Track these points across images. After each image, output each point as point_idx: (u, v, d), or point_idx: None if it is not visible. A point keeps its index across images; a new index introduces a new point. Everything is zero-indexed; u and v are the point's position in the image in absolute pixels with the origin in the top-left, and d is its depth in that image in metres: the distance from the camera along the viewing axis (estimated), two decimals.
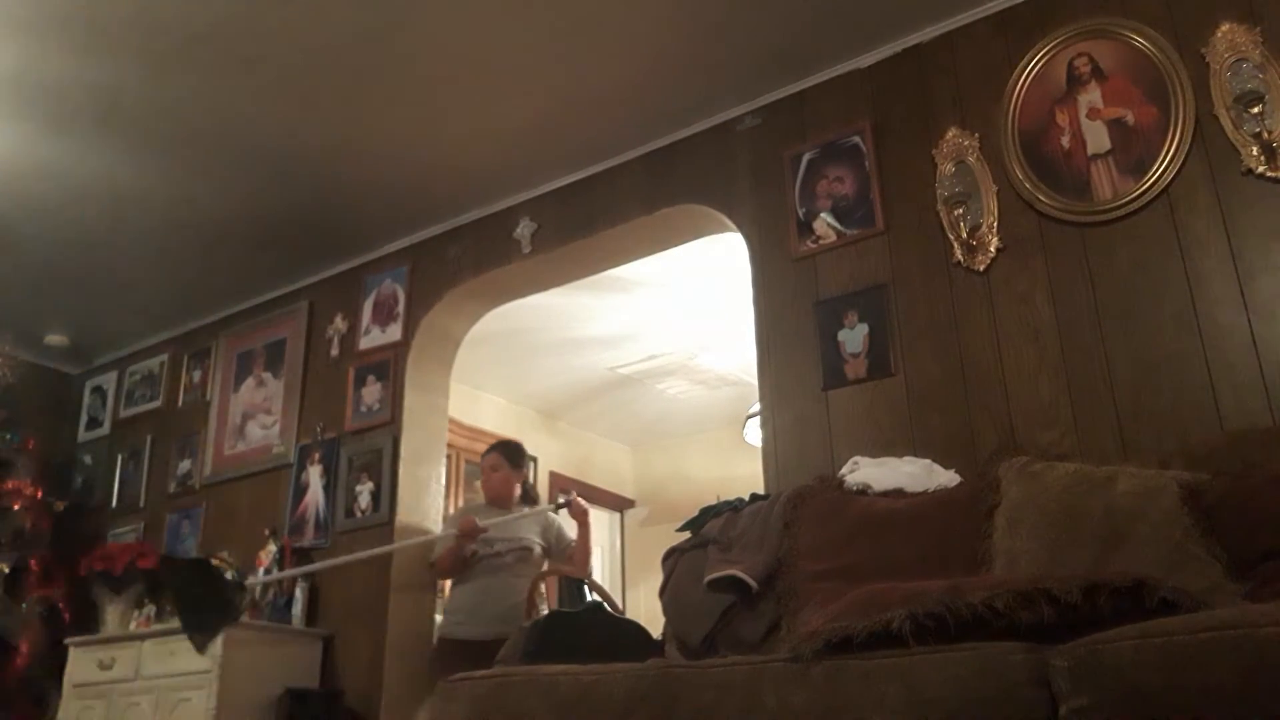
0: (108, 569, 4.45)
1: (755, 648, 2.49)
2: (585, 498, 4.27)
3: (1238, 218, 2.68)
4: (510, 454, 4.07)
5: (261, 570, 4.26)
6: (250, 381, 5.01)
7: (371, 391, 4.47)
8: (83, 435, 5.70)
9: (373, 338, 4.58)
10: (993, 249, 3.07)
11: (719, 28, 3.34)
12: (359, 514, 4.29)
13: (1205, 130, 2.78)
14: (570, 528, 4.04)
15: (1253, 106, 2.69)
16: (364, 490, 4.31)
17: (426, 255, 4.56)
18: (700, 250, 4.45)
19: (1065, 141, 3.01)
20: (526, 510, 3.98)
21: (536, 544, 3.86)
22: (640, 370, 6.21)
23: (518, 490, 4.04)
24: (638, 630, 2.87)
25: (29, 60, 3.40)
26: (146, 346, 5.60)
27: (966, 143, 3.19)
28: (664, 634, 2.83)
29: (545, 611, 3.55)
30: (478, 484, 4.39)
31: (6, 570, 4.51)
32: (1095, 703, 1.41)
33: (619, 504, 7.42)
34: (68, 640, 4.39)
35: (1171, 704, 1.34)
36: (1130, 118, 2.92)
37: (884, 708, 1.55)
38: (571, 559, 3.95)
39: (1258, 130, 2.68)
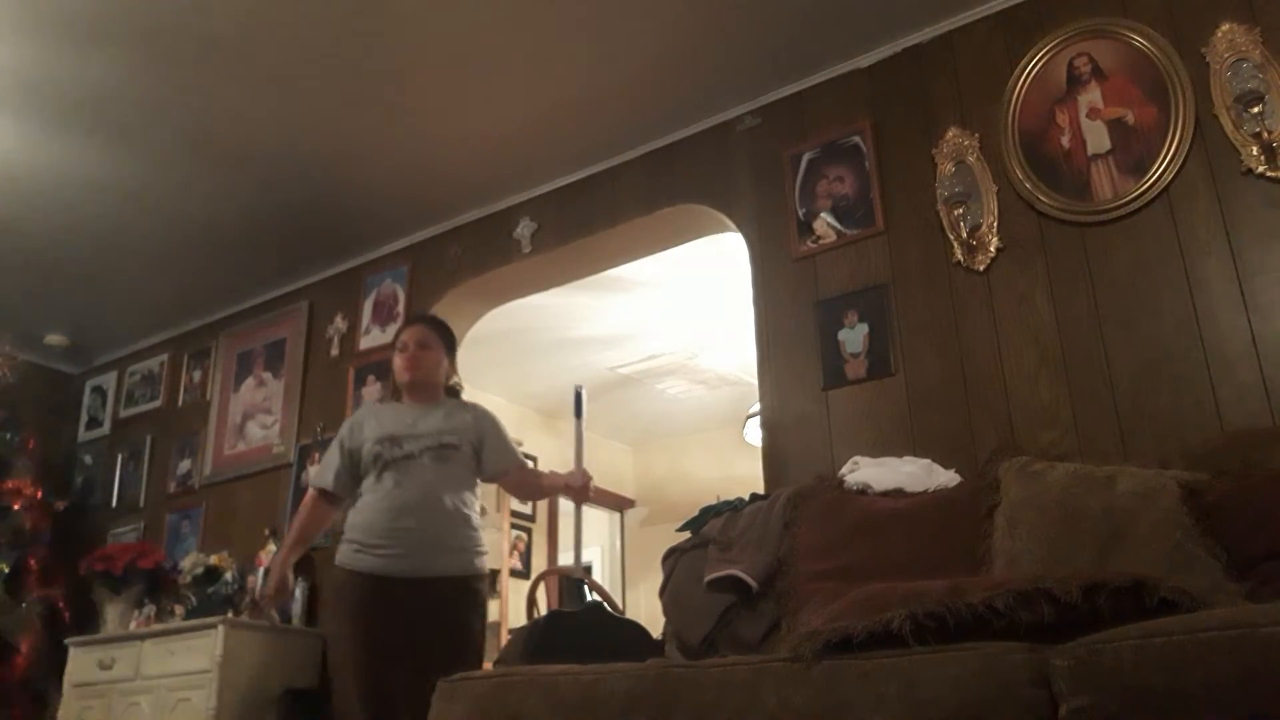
0: (108, 569, 4.46)
1: (755, 648, 2.49)
2: None
3: (1238, 218, 2.68)
4: (445, 333, 3.12)
5: (261, 570, 4.25)
6: (250, 381, 5.01)
7: (371, 391, 4.47)
8: (83, 435, 5.70)
9: (373, 338, 4.58)
10: (993, 249, 3.07)
11: (719, 28, 3.34)
12: None
13: (1205, 130, 2.78)
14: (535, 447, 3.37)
15: (1253, 106, 2.68)
16: None
17: (426, 255, 4.56)
18: (700, 250, 4.44)
19: (1065, 141, 3.01)
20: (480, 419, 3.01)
21: (460, 441, 2.91)
22: (640, 370, 6.21)
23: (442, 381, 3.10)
24: (638, 630, 2.87)
25: (29, 60, 3.40)
26: (146, 346, 5.60)
27: (966, 143, 3.19)
28: (664, 634, 2.83)
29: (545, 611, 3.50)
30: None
31: (6, 570, 4.51)
32: (1095, 703, 1.41)
33: (619, 504, 7.42)
34: (68, 640, 4.39)
35: (1171, 704, 1.34)
36: (1130, 117, 2.92)
37: (884, 708, 1.55)
38: (527, 484, 3.11)
39: (1258, 130, 2.67)
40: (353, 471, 2.93)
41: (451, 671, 2.51)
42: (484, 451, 2.98)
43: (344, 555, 2.83)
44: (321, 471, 3.02)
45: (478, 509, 2.96)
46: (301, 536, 2.99)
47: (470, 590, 2.86)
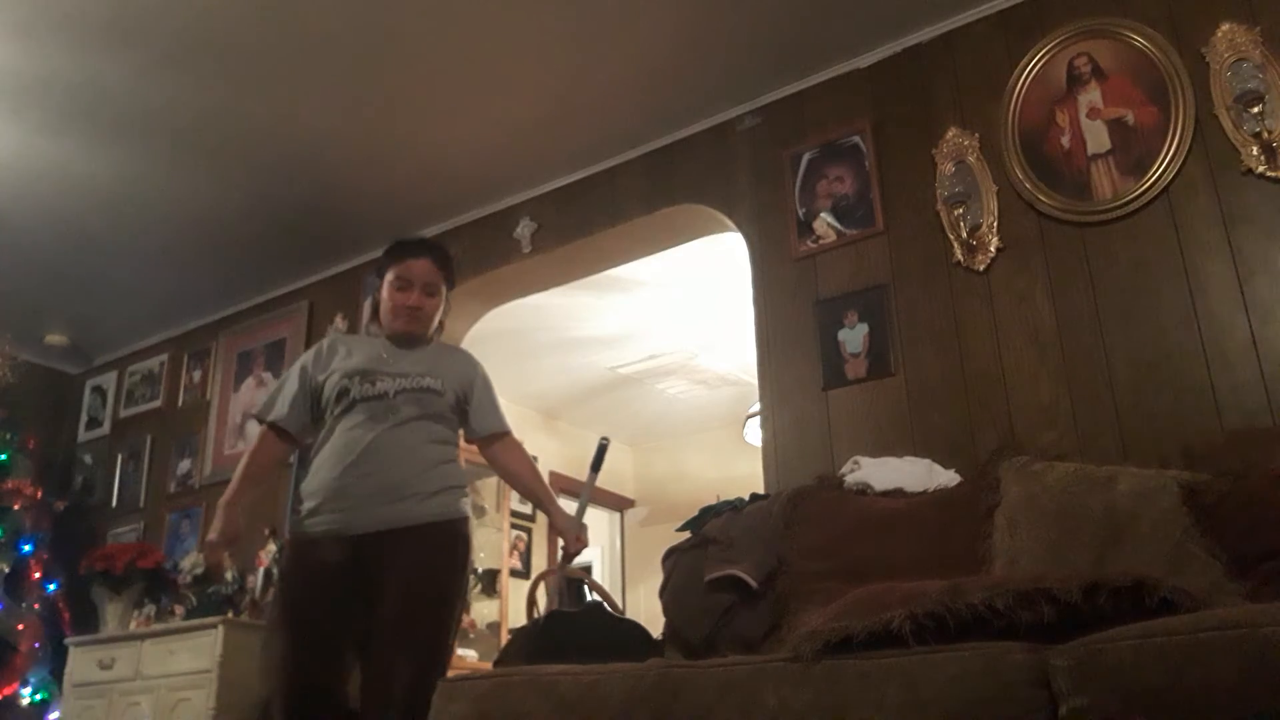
0: (108, 569, 4.46)
1: (755, 647, 2.49)
2: None
3: (1238, 218, 2.68)
4: (451, 270, 2.67)
5: (261, 570, 4.25)
6: (250, 381, 5.01)
7: None
8: (83, 435, 5.70)
9: None
10: (993, 249, 3.07)
11: (719, 28, 3.34)
12: None
13: (1205, 130, 2.78)
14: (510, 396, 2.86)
15: (1253, 106, 2.69)
16: None
17: None
18: (700, 250, 4.44)
19: (1065, 141, 3.01)
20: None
21: (444, 388, 2.52)
22: (640, 370, 6.21)
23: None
24: (638, 630, 2.87)
25: (29, 60, 3.40)
26: (146, 346, 5.60)
27: (966, 142, 3.19)
28: (664, 634, 2.83)
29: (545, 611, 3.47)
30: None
31: (6, 570, 4.51)
32: (1095, 703, 1.41)
33: (619, 504, 7.42)
34: (68, 640, 4.39)
35: (1171, 704, 1.34)
36: (1130, 117, 2.92)
37: (884, 708, 1.55)
38: (520, 468, 2.64)
39: (1258, 130, 2.67)
40: (312, 407, 2.47)
41: (430, 640, 2.26)
42: (471, 404, 2.56)
43: (294, 524, 2.40)
44: (273, 402, 2.51)
45: (460, 458, 2.55)
46: (250, 472, 2.49)
47: (456, 536, 2.39)
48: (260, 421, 2.53)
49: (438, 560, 2.33)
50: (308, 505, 2.38)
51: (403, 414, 2.40)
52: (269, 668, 2.32)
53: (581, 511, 2.77)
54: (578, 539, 2.62)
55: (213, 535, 2.44)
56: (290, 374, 2.53)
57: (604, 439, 2.89)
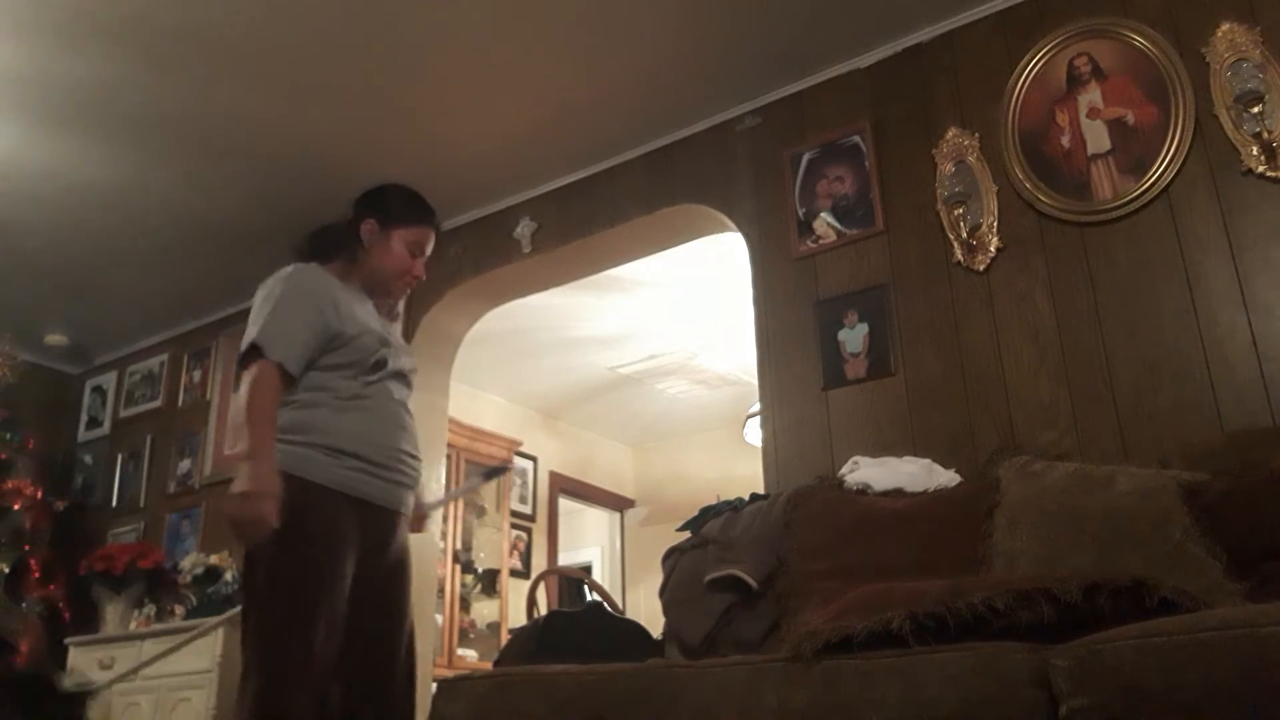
0: (108, 569, 4.46)
1: (756, 647, 2.49)
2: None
3: (1238, 218, 2.68)
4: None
5: None
6: None
7: None
8: (83, 435, 5.70)
9: None
10: (993, 249, 3.07)
11: (719, 28, 3.34)
12: None
13: (1205, 130, 2.78)
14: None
15: (1253, 106, 2.69)
16: None
17: None
18: (700, 250, 4.45)
19: (1065, 141, 3.01)
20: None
21: None
22: (640, 370, 6.21)
23: None
24: (638, 630, 2.87)
25: (29, 60, 3.40)
26: (146, 346, 5.60)
27: (966, 142, 3.19)
28: (664, 634, 2.83)
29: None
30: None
31: (6, 570, 4.51)
32: (1095, 703, 1.41)
33: (619, 504, 7.42)
34: (68, 640, 4.39)
35: (1171, 704, 1.34)
36: (1130, 117, 2.92)
37: (884, 708, 1.55)
38: None
39: (1258, 130, 2.67)
40: (313, 354, 2.19)
41: (413, 633, 2.29)
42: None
43: (329, 471, 2.12)
44: (289, 342, 2.16)
45: None
46: (269, 416, 2.14)
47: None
48: (260, 355, 2.12)
49: (408, 551, 2.32)
50: (350, 458, 2.13)
51: (409, 395, 2.37)
52: (280, 623, 2.00)
53: (444, 502, 2.47)
54: (425, 517, 2.48)
55: (258, 486, 2.07)
56: (304, 313, 2.18)
57: (508, 465, 2.69)
